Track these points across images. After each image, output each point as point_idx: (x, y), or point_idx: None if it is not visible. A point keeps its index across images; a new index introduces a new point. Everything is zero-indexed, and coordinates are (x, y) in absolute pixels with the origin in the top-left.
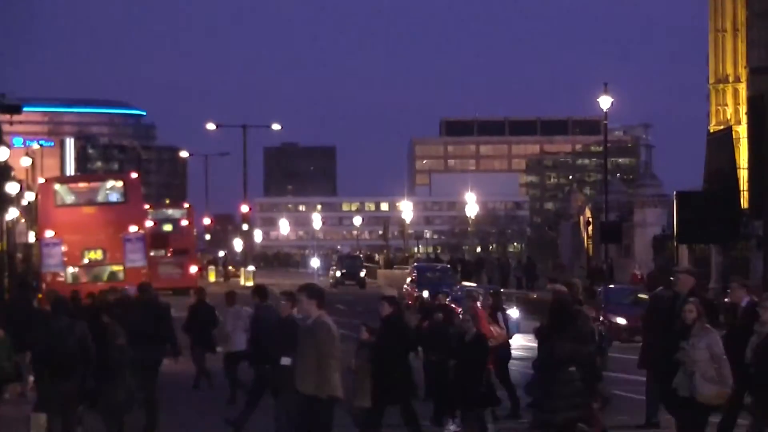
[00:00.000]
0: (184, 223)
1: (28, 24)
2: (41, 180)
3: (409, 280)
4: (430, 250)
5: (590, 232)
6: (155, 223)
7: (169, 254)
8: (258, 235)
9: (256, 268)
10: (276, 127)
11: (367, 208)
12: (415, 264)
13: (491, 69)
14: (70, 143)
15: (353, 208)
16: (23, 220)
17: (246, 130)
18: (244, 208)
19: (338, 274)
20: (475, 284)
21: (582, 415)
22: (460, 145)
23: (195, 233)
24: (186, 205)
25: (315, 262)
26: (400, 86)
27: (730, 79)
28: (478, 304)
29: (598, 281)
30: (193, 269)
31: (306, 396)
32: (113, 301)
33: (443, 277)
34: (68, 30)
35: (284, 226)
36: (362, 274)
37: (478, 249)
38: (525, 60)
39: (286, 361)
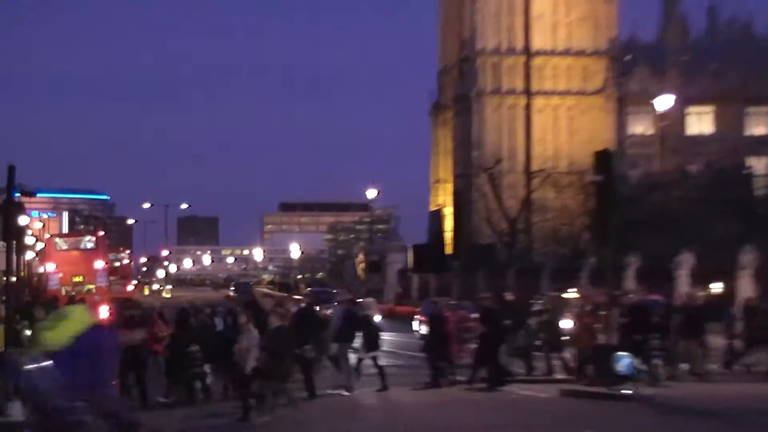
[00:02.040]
0: (126, 261)
1: None
2: (47, 236)
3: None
4: (272, 276)
5: (363, 267)
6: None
7: (116, 278)
8: (173, 268)
9: (173, 287)
10: (184, 206)
11: (237, 252)
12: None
13: (315, 165)
14: (65, 215)
15: (229, 252)
16: (37, 259)
17: (167, 209)
18: (165, 252)
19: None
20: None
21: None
22: (290, 216)
23: (132, 266)
24: (127, 251)
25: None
26: (250, 173)
27: (443, 180)
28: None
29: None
30: (130, 287)
31: None
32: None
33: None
34: None
35: (188, 263)
36: None
37: (299, 275)
38: (335, 160)
39: None
